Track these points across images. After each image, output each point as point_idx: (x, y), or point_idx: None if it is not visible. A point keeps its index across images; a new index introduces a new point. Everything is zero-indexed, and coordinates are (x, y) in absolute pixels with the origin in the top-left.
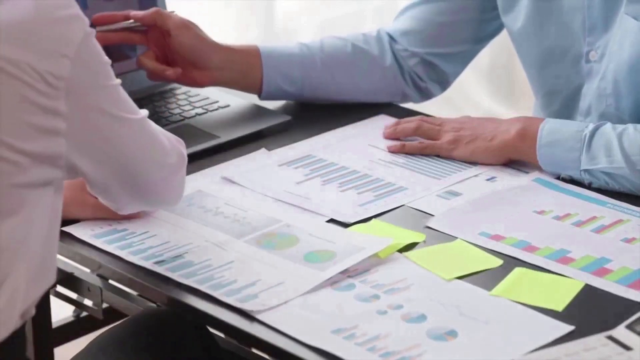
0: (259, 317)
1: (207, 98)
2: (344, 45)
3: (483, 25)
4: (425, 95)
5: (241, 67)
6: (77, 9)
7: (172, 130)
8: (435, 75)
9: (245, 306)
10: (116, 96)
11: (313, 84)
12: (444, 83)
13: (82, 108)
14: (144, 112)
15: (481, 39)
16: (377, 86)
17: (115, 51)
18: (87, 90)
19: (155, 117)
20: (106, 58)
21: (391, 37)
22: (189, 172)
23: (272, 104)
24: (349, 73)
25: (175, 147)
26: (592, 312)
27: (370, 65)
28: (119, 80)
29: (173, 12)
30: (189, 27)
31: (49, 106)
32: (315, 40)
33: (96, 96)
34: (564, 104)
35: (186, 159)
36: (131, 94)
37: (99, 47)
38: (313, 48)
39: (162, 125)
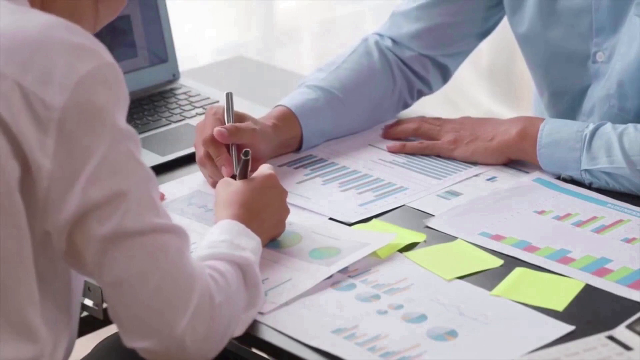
0: (259, 317)
1: (208, 98)
2: (361, 80)
3: (489, 20)
4: (425, 95)
5: (285, 142)
6: (93, 43)
7: (172, 130)
8: (442, 76)
9: None
10: (118, 161)
11: (339, 129)
12: (447, 79)
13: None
14: (163, 220)
15: (485, 33)
16: (386, 114)
17: (115, 50)
18: (82, 133)
19: (156, 117)
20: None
21: (396, 43)
22: (189, 172)
23: (271, 104)
24: (367, 109)
25: (208, 285)
26: (592, 312)
27: (381, 100)
28: (137, 154)
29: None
30: (260, 133)
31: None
32: (328, 75)
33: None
34: (570, 104)
35: (219, 306)
36: (131, 94)
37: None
38: (335, 91)
39: (162, 125)
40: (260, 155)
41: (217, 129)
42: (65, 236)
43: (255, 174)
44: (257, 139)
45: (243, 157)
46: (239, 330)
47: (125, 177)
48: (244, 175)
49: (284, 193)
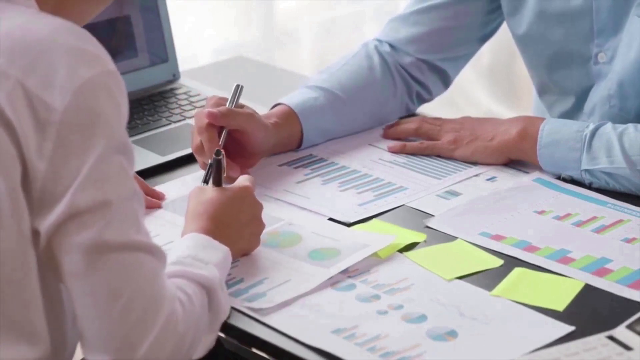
0: (259, 317)
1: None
2: (362, 81)
3: (488, 24)
4: (426, 101)
5: (285, 139)
6: (98, 50)
7: (172, 130)
8: (442, 81)
9: (254, 305)
10: (109, 171)
11: (340, 129)
12: (447, 84)
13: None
14: (143, 238)
15: (485, 37)
16: (388, 117)
17: (116, 50)
18: (78, 134)
19: (156, 117)
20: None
21: (394, 48)
22: (189, 172)
23: (271, 105)
24: (368, 110)
25: (175, 311)
26: (592, 312)
27: (383, 102)
28: (128, 169)
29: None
30: (258, 121)
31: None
32: (329, 77)
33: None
34: (572, 105)
35: (182, 335)
36: (131, 94)
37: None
38: (336, 90)
39: (162, 125)
40: (258, 147)
41: (208, 109)
42: (46, 241)
43: (231, 185)
44: (253, 125)
45: (215, 157)
46: (197, 354)
47: (113, 188)
48: (217, 178)
49: (258, 206)
